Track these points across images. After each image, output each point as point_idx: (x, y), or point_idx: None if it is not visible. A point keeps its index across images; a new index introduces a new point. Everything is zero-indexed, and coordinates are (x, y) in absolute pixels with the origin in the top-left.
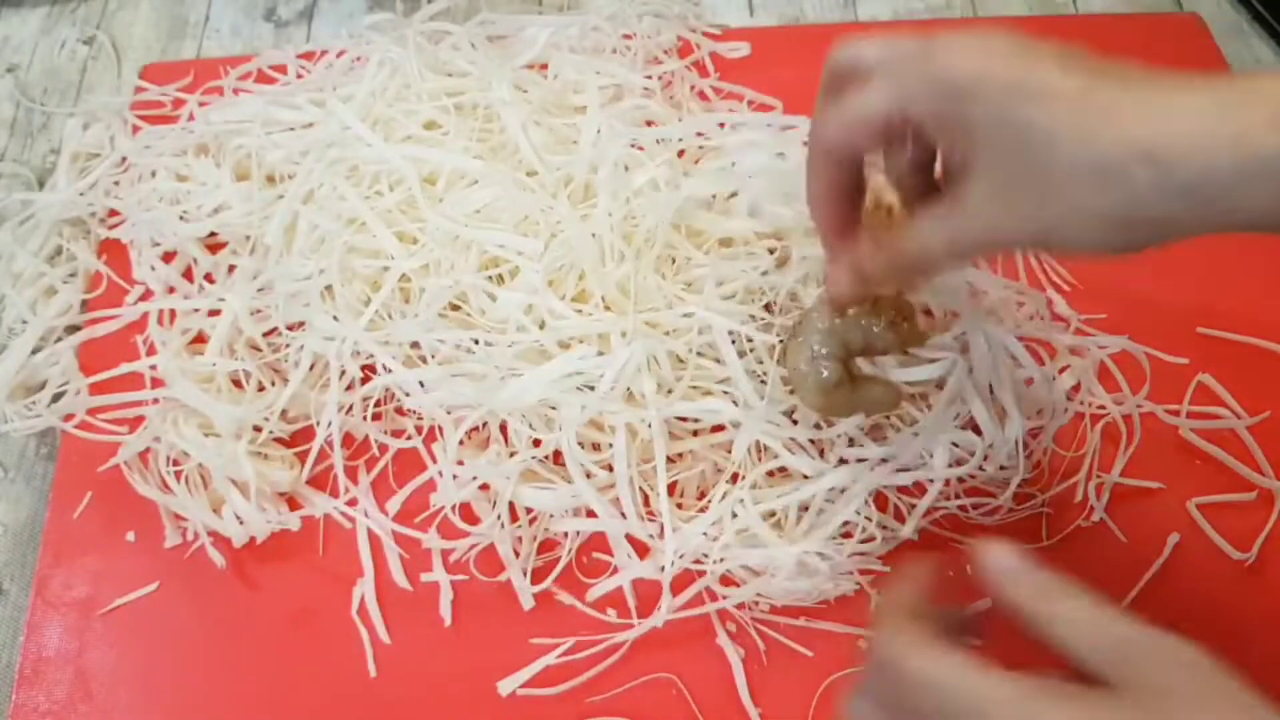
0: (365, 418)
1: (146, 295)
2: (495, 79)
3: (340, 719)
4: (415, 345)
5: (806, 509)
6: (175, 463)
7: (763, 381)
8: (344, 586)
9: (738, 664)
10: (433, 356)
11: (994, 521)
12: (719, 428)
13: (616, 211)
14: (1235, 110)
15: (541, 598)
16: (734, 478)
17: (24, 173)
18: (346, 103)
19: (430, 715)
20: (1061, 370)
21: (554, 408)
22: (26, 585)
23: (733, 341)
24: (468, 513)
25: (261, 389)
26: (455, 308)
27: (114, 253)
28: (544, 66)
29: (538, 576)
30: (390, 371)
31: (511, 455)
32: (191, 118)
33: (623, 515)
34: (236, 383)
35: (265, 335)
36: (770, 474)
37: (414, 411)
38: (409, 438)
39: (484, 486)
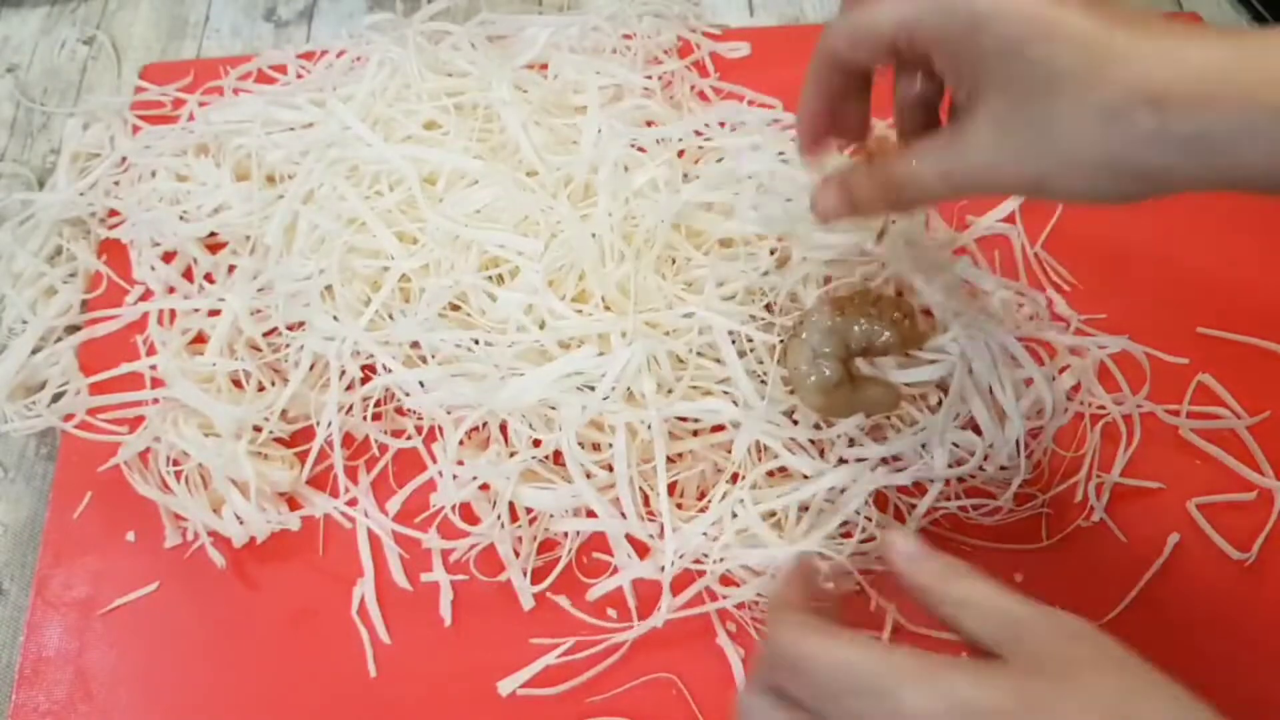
0: (365, 418)
1: (146, 295)
2: (495, 79)
3: (340, 719)
4: (415, 345)
5: (806, 509)
6: (175, 463)
7: (763, 381)
8: (344, 586)
9: (738, 664)
10: (433, 356)
11: (994, 522)
12: (719, 428)
13: (616, 212)
14: (1247, 63)
15: (541, 598)
16: (734, 478)
17: (24, 173)
18: (346, 103)
19: (430, 715)
20: (1061, 370)
21: (554, 408)
22: (26, 585)
23: (733, 341)
24: (468, 513)
25: (261, 389)
26: (455, 308)
27: (114, 253)
28: (544, 66)
29: (538, 576)
30: (390, 371)
31: (511, 455)
32: (191, 118)
33: (623, 515)
34: (236, 383)
35: (265, 335)
36: (770, 474)
37: (414, 411)
38: (409, 438)
39: (484, 486)
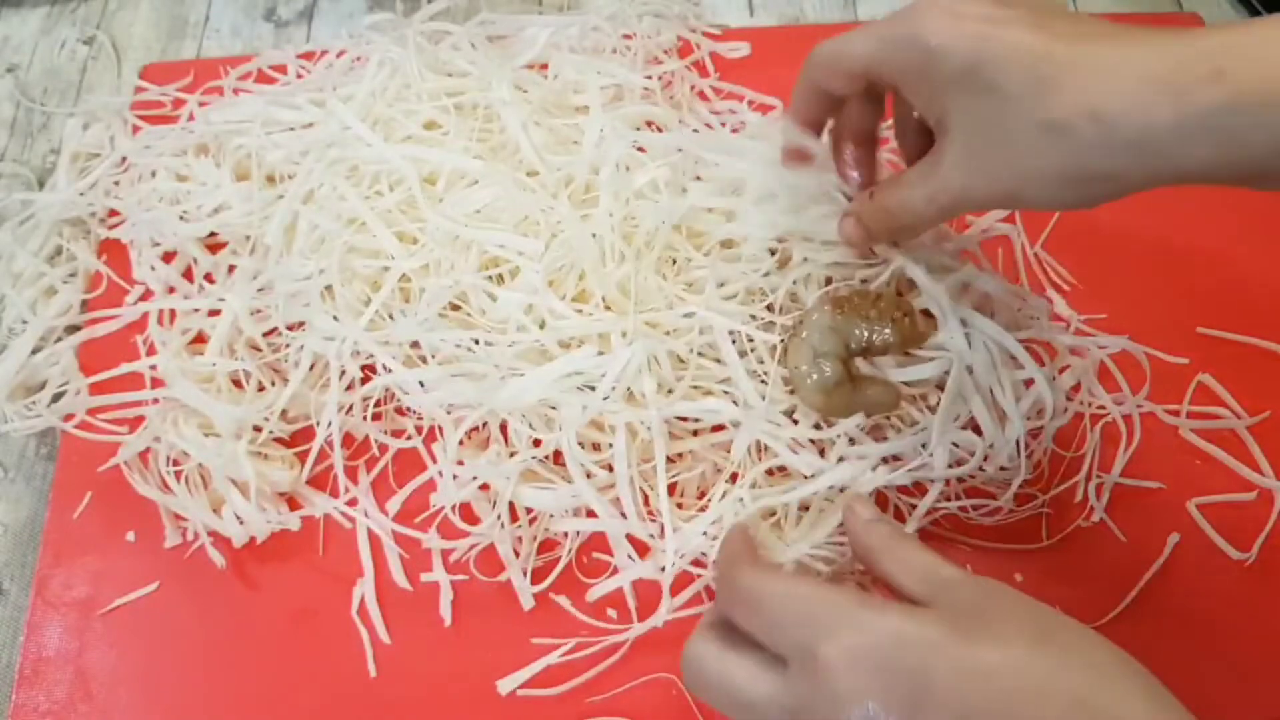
0: (365, 418)
1: (146, 295)
2: (495, 79)
3: (340, 719)
4: (415, 345)
5: (806, 508)
6: (175, 463)
7: (763, 381)
8: (344, 586)
9: None
10: (433, 356)
11: (994, 522)
12: (719, 428)
13: (617, 212)
14: (1176, 67)
15: (541, 598)
16: (733, 477)
17: (24, 173)
18: (346, 103)
19: (430, 715)
20: (1061, 370)
21: (554, 408)
22: (26, 585)
23: (733, 341)
24: (468, 513)
25: (261, 389)
26: (455, 308)
27: (114, 253)
28: (544, 66)
29: (538, 576)
30: (390, 371)
31: (511, 455)
32: (191, 118)
33: (623, 515)
34: (236, 383)
35: (265, 335)
36: (770, 473)
37: (414, 411)
38: (409, 438)
39: (484, 486)
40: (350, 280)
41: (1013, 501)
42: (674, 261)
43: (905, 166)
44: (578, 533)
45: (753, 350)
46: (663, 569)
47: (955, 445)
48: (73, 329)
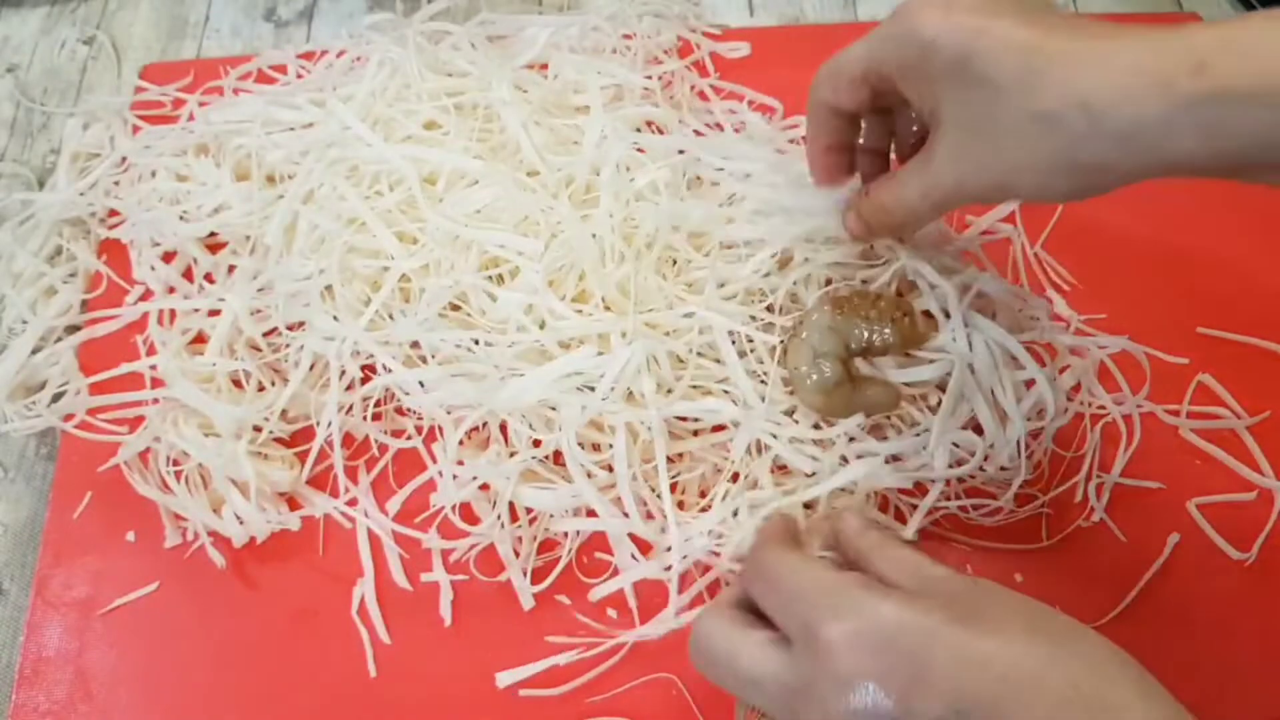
0: (365, 418)
1: (146, 295)
2: (495, 79)
3: (340, 719)
4: (415, 345)
5: (808, 508)
6: (175, 463)
7: (763, 381)
8: (344, 586)
9: None
10: (433, 356)
11: (994, 522)
12: (719, 428)
13: (617, 212)
14: (1164, 59)
15: (541, 598)
16: (734, 477)
17: (24, 173)
18: (346, 103)
19: (430, 715)
20: (1061, 370)
21: (554, 408)
22: (26, 585)
23: (733, 342)
24: (468, 513)
25: (261, 389)
26: (455, 308)
27: (114, 253)
28: (544, 66)
29: (538, 576)
30: (390, 371)
31: (511, 455)
32: (191, 118)
33: (624, 514)
34: (236, 383)
35: (265, 335)
36: (771, 473)
37: (414, 411)
38: (409, 438)
39: (484, 486)
40: (350, 280)
41: (1013, 501)
42: (674, 262)
43: None
44: (578, 533)
45: (752, 350)
46: (667, 569)
47: (955, 445)
48: (73, 329)
